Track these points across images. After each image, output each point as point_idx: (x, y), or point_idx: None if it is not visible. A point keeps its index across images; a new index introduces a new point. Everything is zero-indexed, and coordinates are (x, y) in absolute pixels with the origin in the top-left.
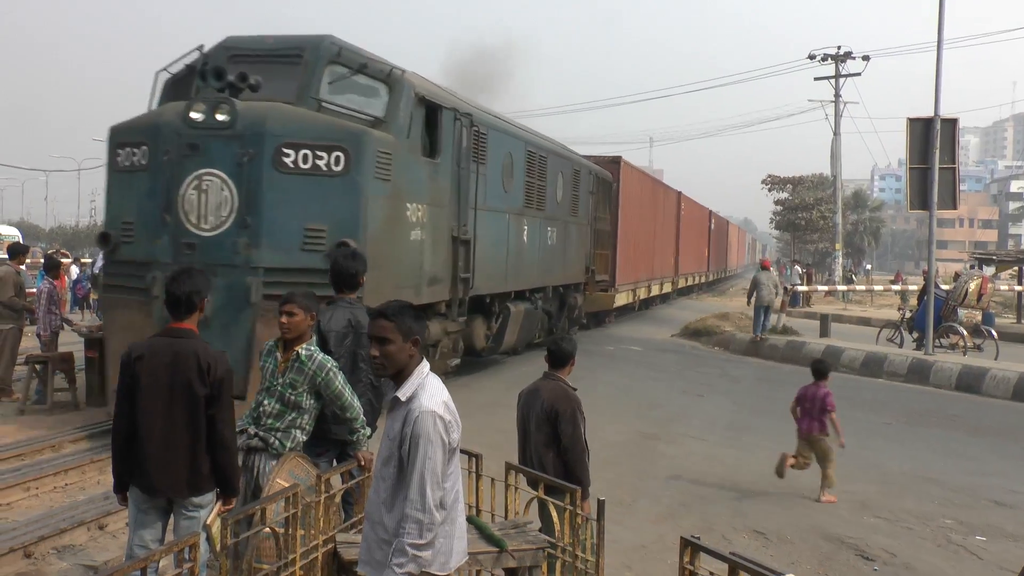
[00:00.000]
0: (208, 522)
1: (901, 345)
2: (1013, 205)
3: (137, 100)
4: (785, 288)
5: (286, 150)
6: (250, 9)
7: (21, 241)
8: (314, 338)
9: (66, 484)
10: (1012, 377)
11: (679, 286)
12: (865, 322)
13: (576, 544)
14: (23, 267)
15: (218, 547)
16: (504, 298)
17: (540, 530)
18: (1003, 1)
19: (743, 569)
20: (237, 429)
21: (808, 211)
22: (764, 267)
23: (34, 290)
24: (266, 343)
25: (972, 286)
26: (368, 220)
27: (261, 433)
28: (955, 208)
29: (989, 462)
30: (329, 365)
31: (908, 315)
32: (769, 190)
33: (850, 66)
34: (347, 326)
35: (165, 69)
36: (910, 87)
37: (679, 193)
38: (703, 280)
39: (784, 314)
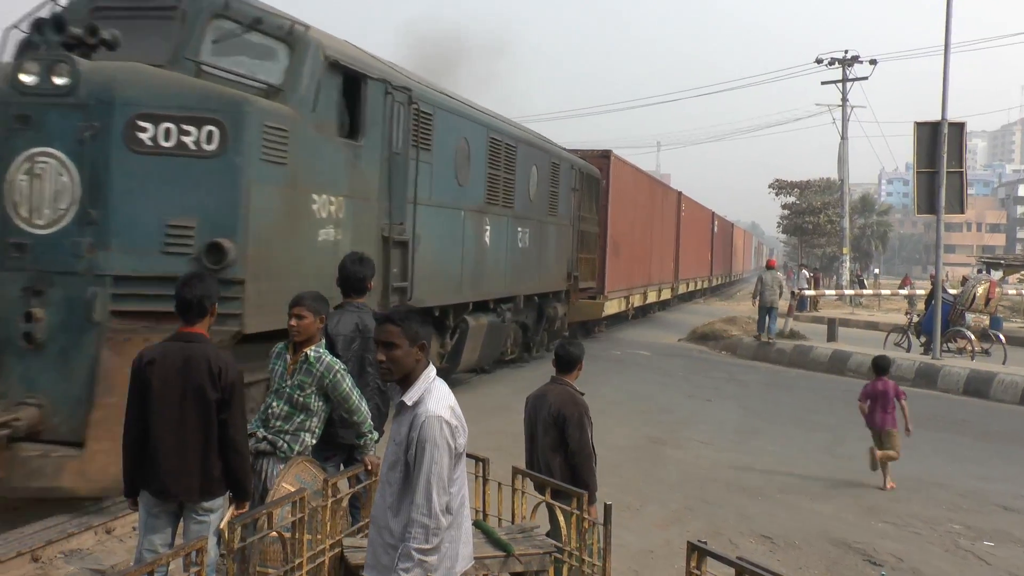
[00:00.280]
0: (222, 527)
1: (909, 349)
2: (1021, 209)
3: None
4: (792, 292)
5: (142, 123)
6: None
7: None
8: (323, 341)
9: None
10: (1020, 382)
11: (679, 292)
12: (872, 326)
13: (583, 549)
14: None
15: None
16: (461, 310)
17: (547, 534)
18: (1011, 4)
19: (750, 574)
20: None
21: (815, 215)
22: (769, 266)
23: None
24: (276, 346)
25: (980, 290)
26: (252, 214)
27: (269, 436)
28: (963, 212)
29: (997, 467)
30: (337, 367)
31: (916, 319)
32: (776, 194)
33: (857, 70)
34: (354, 330)
35: (16, 26)
36: (917, 91)
37: (679, 193)
38: (706, 285)
39: (791, 318)
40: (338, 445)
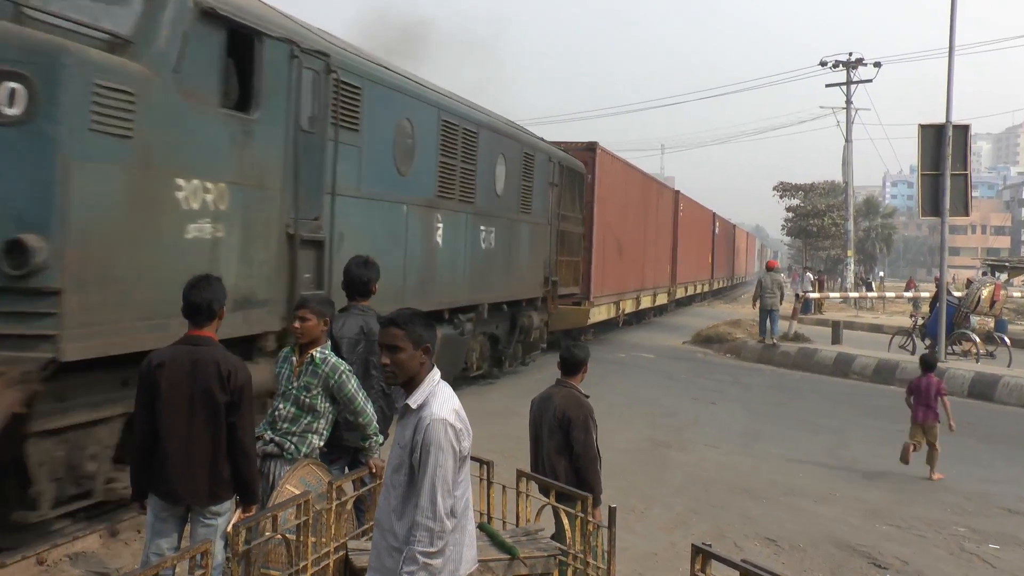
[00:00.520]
0: (228, 530)
1: (913, 352)
2: None
3: None
4: (797, 295)
5: None
6: None
7: None
8: (329, 343)
9: None
10: None
11: (677, 296)
12: (877, 329)
13: (587, 551)
14: None
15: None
16: None
17: (551, 537)
18: (1016, 7)
19: None
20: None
21: (820, 218)
22: (769, 267)
23: None
24: (283, 350)
25: (984, 293)
26: (73, 202)
27: (276, 438)
28: (967, 215)
29: (1001, 469)
30: (342, 368)
31: (920, 322)
32: (781, 197)
33: (862, 72)
34: (359, 333)
35: None
36: (922, 93)
37: (677, 192)
38: (706, 289)
39: (796, 321)
40: (343, 448)
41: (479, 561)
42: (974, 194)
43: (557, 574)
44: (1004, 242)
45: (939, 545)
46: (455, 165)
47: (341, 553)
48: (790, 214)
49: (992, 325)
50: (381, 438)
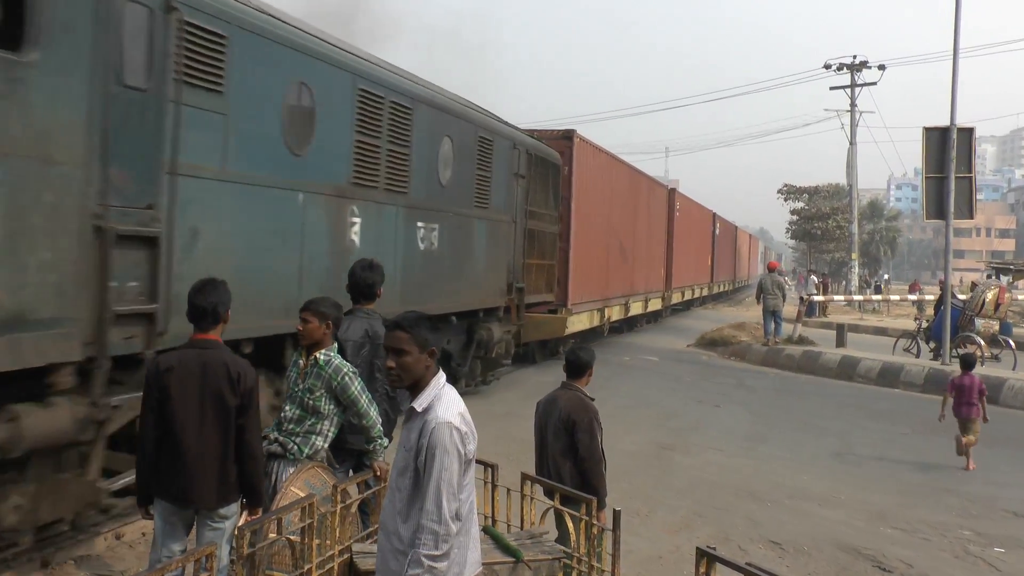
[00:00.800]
0: (235, 533)
1: (918, 355)
2: None
3: None
4: (801, 298)
5: None
6: None
7: None
8: (335, 345)
9: None
10: None
11: (672, 301)
12: (881, 332)
13: (592, 554)
14: None
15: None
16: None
17: (556, 540)
18: (1021, 9)
19: None
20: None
21: (824, 221)
22: (770, 269)
23: None
24: (294, 354)
25: (989, 296)
26: None
27: (281, 438)
28: (972, 217)
29: (1007, 473)
30: (345, 370)
31: (925, 325)
32: (785, 200)
33: (866, 75)
34: (364, 336)
35: None
36: (926, 96)
37: (672, 190)
38: (706, 293)
39: (800, 324)
40: (346, 451)
41: (483, 564)
42: (979, 197)
43: None
44: (1009, 245)
45: (944, 548)
46: (379, 146)
47: (345, 556)
48: (794, 217)
49: (997, 328)
50: (386, 441)
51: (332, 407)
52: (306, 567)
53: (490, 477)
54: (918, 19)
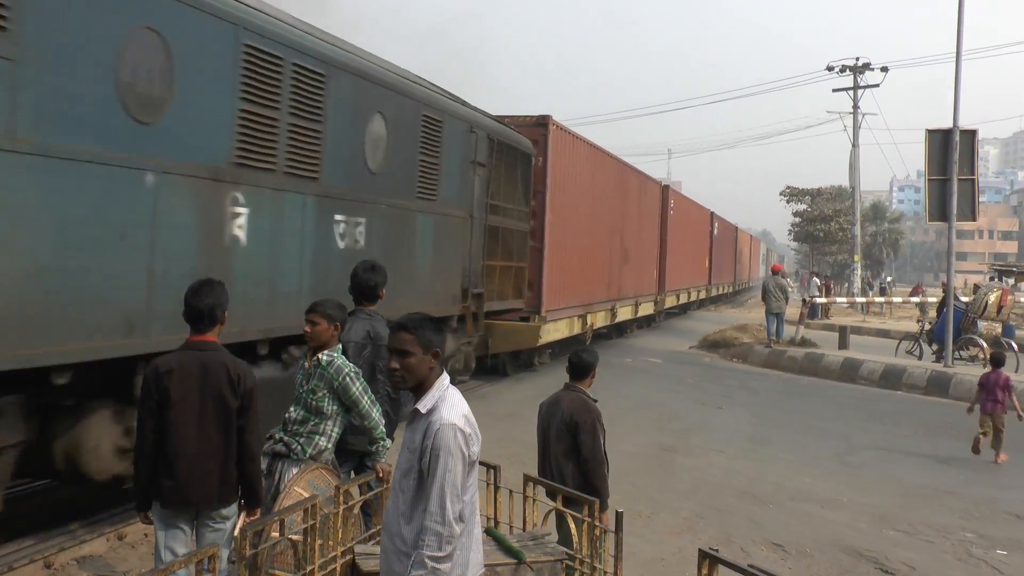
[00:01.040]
0: (236, 534)
1: (920, 357)
2: None
3: None
4: (804, 300)
5: None
6: None
7: None
8: (339, 346)
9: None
10: None
11: (666, 305)
12: (884, 334)
13: (594, 556)
14: None
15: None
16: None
17: (558, 542)
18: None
19: None
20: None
21: (826, 223)
22: (774, 271)
23: None
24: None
25: (992, 298)
26: None
27: (285, 438)
28: (974, 220)
29: (1009, 475)
30: (347, 370)
31: (927, 327)
32: (787, 201)
33: (868, 77)
34: (365, 337)
35: None
36: (929, 98)
37: (666, 187)
38: (703, 296)
39: (803, 326)
40: (348, 452)
41: (485, 565)
42: (981, 199)
43: None
44: (1012, 247)
45: (947, 551)
46: (276, 119)
47: (348, 557)
48: (797, 219)
49: (1000, 330)
50: (388, 442)
51: (335, 408)
52: (309, 568)
53: (492, 478)
54: (921, 20)
